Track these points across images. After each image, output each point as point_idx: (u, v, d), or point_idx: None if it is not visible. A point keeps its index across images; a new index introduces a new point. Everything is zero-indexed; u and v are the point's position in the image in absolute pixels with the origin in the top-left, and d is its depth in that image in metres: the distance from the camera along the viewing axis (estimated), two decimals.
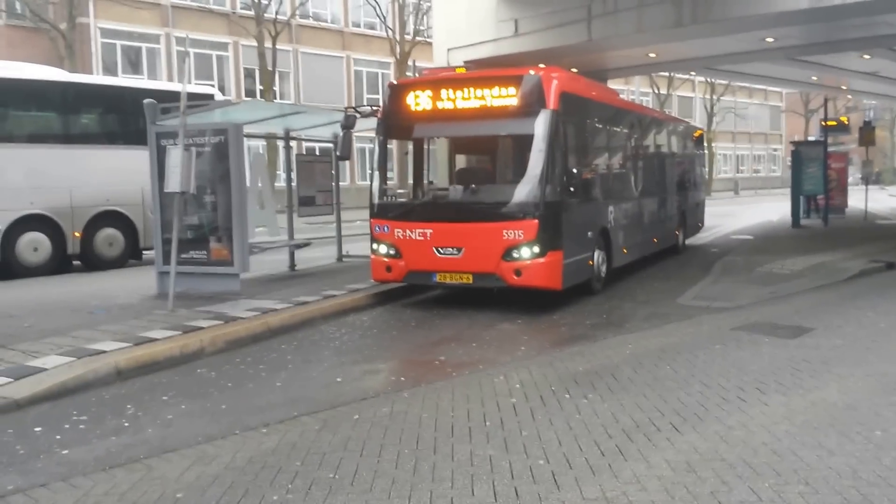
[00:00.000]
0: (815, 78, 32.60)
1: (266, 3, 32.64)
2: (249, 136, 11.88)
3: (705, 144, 58.36)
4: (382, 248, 10.80)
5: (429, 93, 10.58)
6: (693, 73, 42.96)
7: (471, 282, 10.26)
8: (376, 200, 11.06)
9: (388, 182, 11.54)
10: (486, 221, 10.14)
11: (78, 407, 6.48)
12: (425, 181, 12.17)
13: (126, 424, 6.04)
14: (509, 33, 19.41)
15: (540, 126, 9.97)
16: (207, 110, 12.10)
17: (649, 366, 7.32)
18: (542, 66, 11.73)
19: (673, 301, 11.22)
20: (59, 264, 15.08)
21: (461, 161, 13.41)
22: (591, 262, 11.40)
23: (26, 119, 15.49)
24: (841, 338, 8.43)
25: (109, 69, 33.58)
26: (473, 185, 10.95)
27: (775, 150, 75.60)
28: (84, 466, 5.13)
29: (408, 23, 39.01)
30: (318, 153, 20.76)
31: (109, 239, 15.80)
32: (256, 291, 11.30)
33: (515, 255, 9.93)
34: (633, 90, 53.46)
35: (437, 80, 11.13)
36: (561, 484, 4.58)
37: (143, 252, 16.33)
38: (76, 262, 15.75)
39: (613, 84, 29.70)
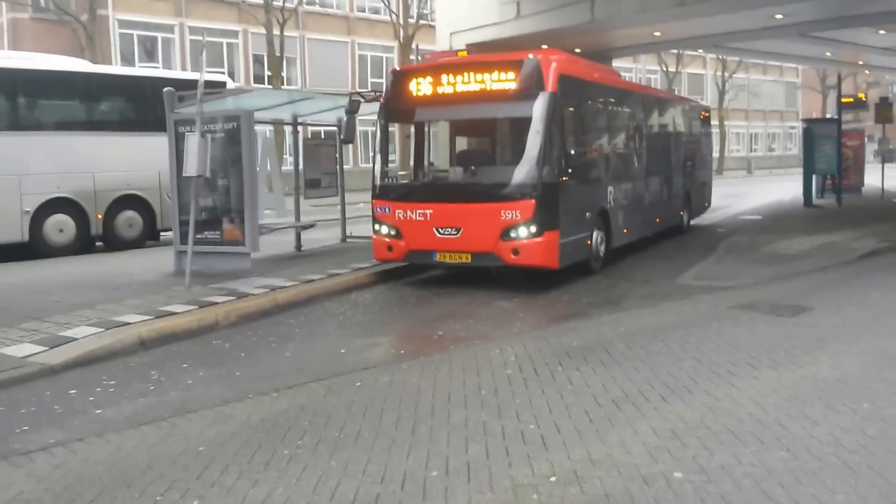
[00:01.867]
0: (829, 54, 31.78)
1: None
2: (258, 121, 12.25)
3: (716, 123, 58.28)
4: (384, 229, 11.02)
5: (429, 78, 10.82)
6: (701, 50, 42.43)
7: (469, 261, 10.47)
8: (378, 182, 11.32)
9: (389, 164, 11.70)
10: (484, 202, 10.36)
11: (107, 372, 6.94)
12: (426, 163, 12.36)
13: (151, 388, 6.51)
14: (511, 16, 19.58)
15: (538, 108, 10.16)
16: (221, 97, 12.53)
17: (643, 342, 7.55)
18: (544, 46, 11.97)
19: (673, 280, 11.42)
20: (83, 245, 15.68)
21: (461, 143, 13.56)
22: (589, 242, 11.56)
23: (53, 108, 16.07)
24: (840, 317, 8.50)
25: (127, 59, 34.36)
26: (473, 167, 11.15)
27: (792, 127, 73.40)
28: (115, 424, 5.58)
29: (411, 7, 39.14)
30: (322, 136, 21.14)
31: (129, 221, 16.40)
32: (266, 270, 11.68)
33: (513, 234, 10.14)
34: (640, 68, 53.13)
35: (438, 66, 11.38)
36: (549, 446, 4.88)
37: (161, 233, 16.97)
38: (98, 243, 16.33)
39: (620, 63, 29.65)
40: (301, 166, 14.47)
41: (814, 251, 13.61)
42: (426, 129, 12.35)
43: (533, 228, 10.07)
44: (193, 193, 10.31)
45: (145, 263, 13.25)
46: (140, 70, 26.88)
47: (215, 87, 15.35)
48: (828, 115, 45.85)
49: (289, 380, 6.59)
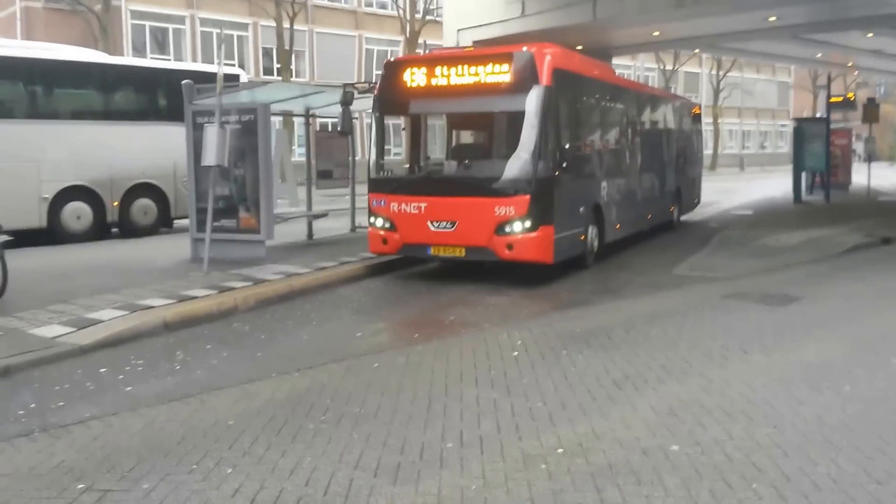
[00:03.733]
0: (819, 55, 32.76)
1: None
2: (271, 113, 12.62)
3: (710, 120, 58.67)
4: (379, 221, 11.03)
5: (423, 70, 10.77)
6: (697, 50, 43.09)
7: (463, 255, 10.53)
8: (373, 175, 11.36)
9: (384, 157, 11.71)
10: (478, 196, 10.34)
11: (134, 353, 7.31)
12: (420, 156, 12.28)
13: (177, 367, 6.88)
14: (517, 14, 19.97)
15: (532, 102, 10.11)
16: (238, 90, 12.88)
17: (641, 328, 7.98)
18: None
19: (669, 272, 11.83)
20: (99, 231, 16.10)
21: (455, 137, 13.42)
22: (583, 237, 11.56)
23: (70, 97, 16.44)
24: (826, 306, 9.01)
25: (138, 50, 34.68)
26: (467, 161, 11.27)
27: (783, 126, 74.89)
28: (146, 400, 5.94)
29: (418, 2, 39.46)
30: (329, 129, 21.48)
31: (144, 209, 16.81)
32: (280, 257, 12.04)
33: (507, 229, 10.14)
34: (638, 66, 53.67)
35: (432, 58, 11.43)
36: (556, 422, 5.27)
37: (174, 221, 17.41)
38: (113, 230, 16.75)
39: (619, 61, 30.12)
40: (313, 158, 14.86)
41: (802, 245, 14.09)
42: (420, 121, 12.31)
43: (527, 223, 10.08)
44: (212, 183, 10.66)
45: (162, 250, 13.64)
46: (155, 62, 27.26)
47: (231, 80, 15.72)
48: (818, 115, 46.43)
49: (308, 360, 6.97)
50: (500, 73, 10.35)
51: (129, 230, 16.54)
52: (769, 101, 72.72)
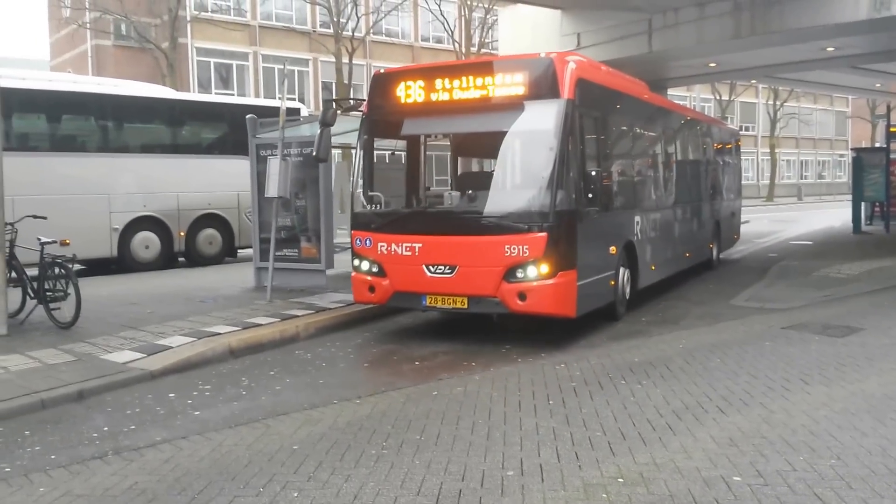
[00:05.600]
0: (878, 85, 32.26)
1: (344, 21, 34.18)
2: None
3: (767, 150, 57.82)
4: (364, 265, 9.34)
5: (420, 83, 9.11)
6: (754, 80, 42.83)
7: (466, 307, 8.74)
8: (357, 209, 9.63)
9: (372, 188, 9.73)
10: (484, 234, 8.62)
11: (201, 378, 7.56)
12: (414, 186, 10.74)
13: (243, 393, 7.08)
14: (572, 46, 20.11)
15: (551, 119, 8.44)
16: (299, 124, 13.26)
17: (701, 358, 7.94)
18: None
19: (726, 302, 11.72)
20: (166, 260, 16.76)
21: (457, 162, 11.70)
22: (613, 283, 9.94)
23: (139, 132, 17.19)
24: (889, 337, 8.82)
25: (203, 85, 35.99)
26: (470, 191, 9.49)
27: (841, 156, 74.38)
28: (214, 424, 6.14)
29: (473, 36, 40.00)
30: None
31: (209, 238, 17.45)
32: (339, 286, 12.19)
33: (519, 275, 8.41)
34: (694, 97, 53.40)
35: (430, 69, 9.91)
36: (616, 451, 5.29)
37: (238, 250, 18.00)
38: (180, 259, 17.38)
39: (674, 91, 30.07)
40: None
41: (863, 276, 13.82)
42: (416, 144, 10.65)
43: (544, 268, 8.36)
44: (274, 213, 10.97)
45: (227, 279, 14.07)
46: (220, 97, 28.33)
47: (292, 114, 16.23)
48: (877, 144, 45.58)
49: (369, 388, 7.12)
50: (512, 85, 8.70)
51: (195, 259, 17.15)
52: (827, 131, 72.20)
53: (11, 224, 9.76)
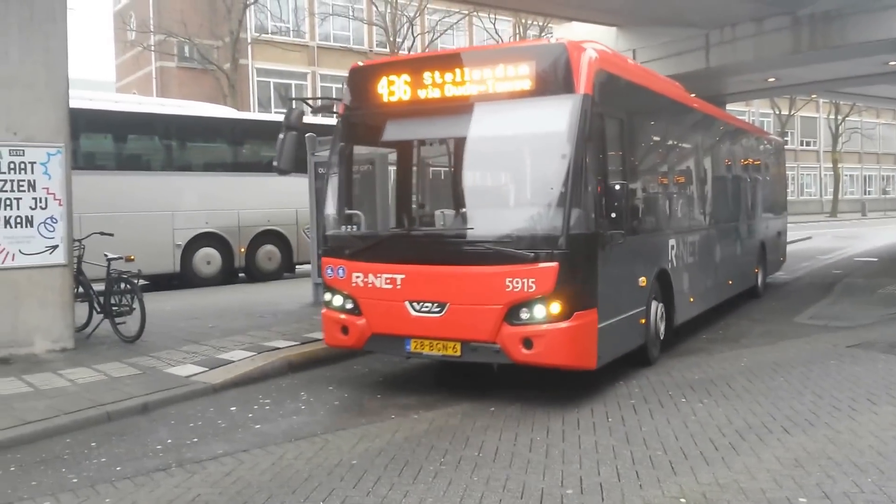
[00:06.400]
0: None
1: (400, 41, 34.66)
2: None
3: (829, 165, 56.54)
4: (336, 300, 7.67)
5: (406, 77, 7.51)
6: (814, 95, 42.09)
7: (458, 354, 7.04)
8: (329, 231, 8.03)
9: (350, 206, 8.13)
10: (480, 264, 6.88)
11: (261, 392, 7.68)
12: (397, 203, 8.86)
13: (302, 407, 7.17)
14: None
15: (564, 119, 6.82)
16: None
17: (763, 377, 7.78)
18: None
19: (789, 320, 11.47)
20: (227, 276, 17.15)
21: (449, 174, 8.76)
22: (643, 321, 8.25)
23: (202, 151, 17.71)
24: None
25: (263, 105, 36.90)
26: (464, 210, 7.63)
27: None
28: (274, 438, 6.21)
29: None
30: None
31: (269, 254, 17.84)
32: None
33: (524, 315, 6.72)
34: (753, 112, 52.66)
35: (418, 59, 8.63)
36: (678, 471, 5.20)
37: (296, 266, 18.28)
38: (241, 275, 17.77)
39: (732, 106, 29.68)
40: None
41: None
42: (400, 152, 8.77)
43: (555, 307, 6.65)
44: None
45: (285, 294, 14.31)
46: (280, 116, 28.74)
47: None
48: None
49: (427, 403, 7.13)
50: (517, 78, 7.08)
51: (254, 275, 17.50)
52: (891, 145, 70.56)
53: (79, 241, 10.09)
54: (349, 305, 7.56)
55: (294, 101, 7.62)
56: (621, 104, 7.93)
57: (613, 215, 7.10)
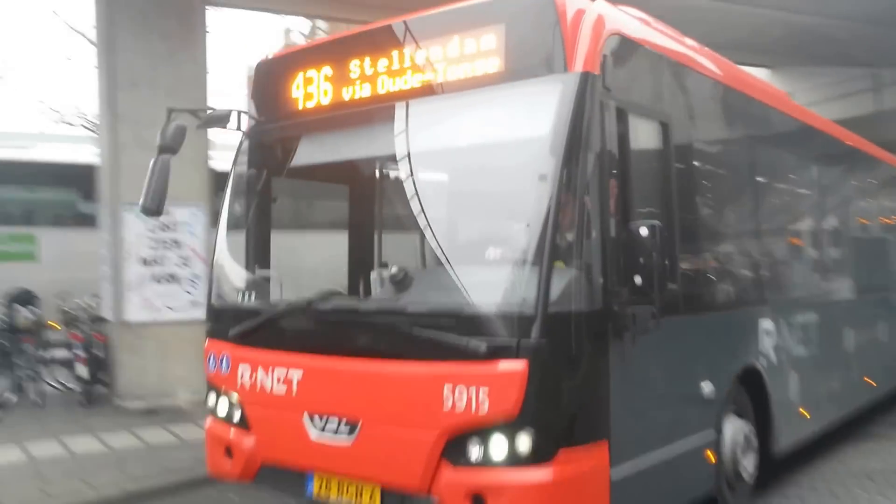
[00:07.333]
0: None
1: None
2: None
3: None
4: (221, 406, 5.18)
5: (327, 70, 5.02)
6: None
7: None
8: (214, 300, 5.49)
9: (255, 258, 5.54)
10: (405, 358, 4.27)
11: None
12: (310, 259, 6.42)
13: None
14: None
15: (547, 116, 4.09)
16: None
17: None
18: None
19: None
20: None
21: (369, 215, 6.29)
22: (711, 455, 5.15)
23: None
24: None
25: None
26: (388, 269, 5.01)
27: None
28: None
29: None
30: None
31: None
32: None
33: (473, 452, 4.00)
34: None
35: (338, 41, 5.46)
36: None
37: None
38: None
39: None
40: None
41: None
42: (307, 182, 6.57)
43: (524, 441, 3.90)
44: None
45: None
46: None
47: None
48: None
49: None
50: (478, 55, 4.41)
51: None
52: None
53: None
54: (236, 416, 5.04)
55: (171, 113, 4.85)
56: (655, 93, 4.97)
57: (639, 279, 4.13)
